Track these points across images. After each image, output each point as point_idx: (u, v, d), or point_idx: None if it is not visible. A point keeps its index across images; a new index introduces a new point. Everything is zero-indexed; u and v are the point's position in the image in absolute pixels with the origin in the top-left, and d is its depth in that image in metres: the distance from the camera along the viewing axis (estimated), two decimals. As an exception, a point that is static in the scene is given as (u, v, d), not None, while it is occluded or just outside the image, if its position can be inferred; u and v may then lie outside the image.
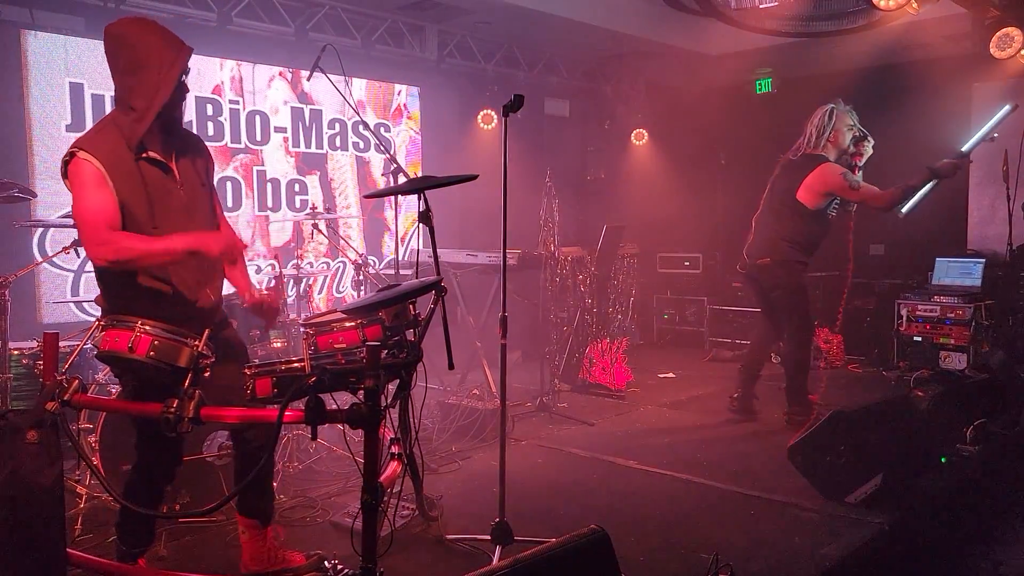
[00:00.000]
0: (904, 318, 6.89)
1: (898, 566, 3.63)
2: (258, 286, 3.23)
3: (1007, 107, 5.11)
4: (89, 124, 5.67)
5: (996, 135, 5.17)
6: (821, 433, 3.98)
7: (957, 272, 6.97)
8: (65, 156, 2.63)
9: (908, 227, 7.72)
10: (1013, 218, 6.64)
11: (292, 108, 6.87)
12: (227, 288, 3.09)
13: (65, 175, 2.65)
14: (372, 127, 7.20)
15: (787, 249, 5.26)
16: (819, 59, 7.85)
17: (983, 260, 6.90)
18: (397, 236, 4.09)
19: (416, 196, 2.88)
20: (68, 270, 5.66)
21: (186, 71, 2.73)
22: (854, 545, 3.41)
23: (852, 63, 7.58)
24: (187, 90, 2.77)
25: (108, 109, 5.75)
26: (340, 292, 7.20)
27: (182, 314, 2.75)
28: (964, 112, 7.58)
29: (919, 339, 6.79)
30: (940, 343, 6.65)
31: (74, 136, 5.51)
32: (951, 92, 7.52)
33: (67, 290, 5.65)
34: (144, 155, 2.69)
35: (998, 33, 6.48)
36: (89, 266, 5.72)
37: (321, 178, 7.08)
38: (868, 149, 5.24)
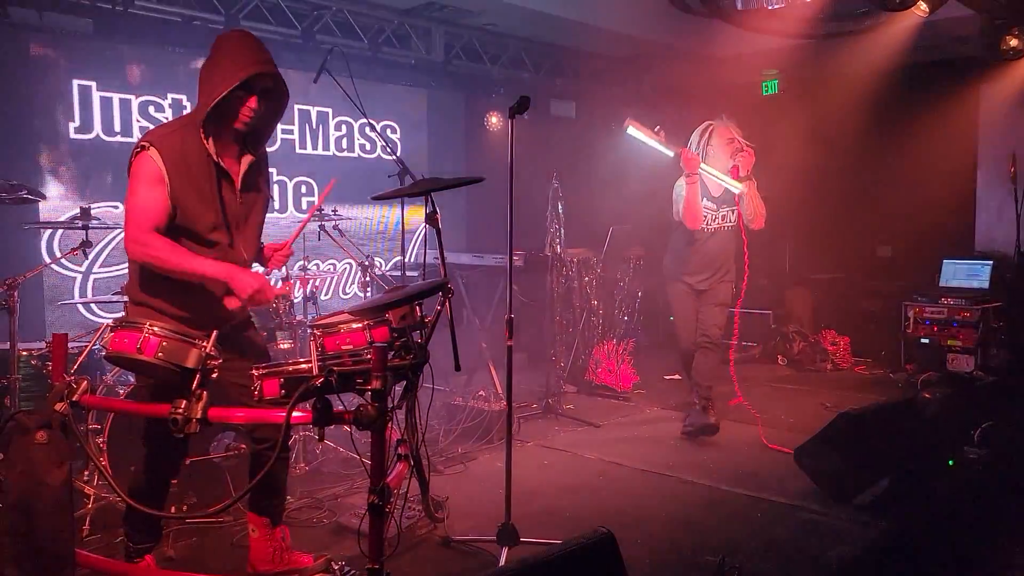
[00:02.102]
0: (911, 320, 6.86)
1: (905, 569, 3.61)
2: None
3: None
4: (98, 126, 5.70)
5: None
6: (828, 436, 3.98)
7: (964, 274, 6.95)
8: (135, 148, 2.70)
9: (915, 229, 7.74)
10: (1021, 220, 6.62)
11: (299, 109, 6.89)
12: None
13: (130, 166, 2.73)
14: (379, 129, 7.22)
15: (665, 259, 5.39)
16: (826, 61, 7.83)
17: (991, 262, 6.88)
18: (403, 239, 4.10)
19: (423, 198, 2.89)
20: (76, 272, 5.68)
21: (264, 90, 2.75)
22: (861, 547, 3.40)
23: (859, 64, 7.56)
24: (252, 107, 2.74)
25: (116, 111, 5.80)
26: (346, 294, 7.22)
27: (207, 314, 2.78)
28: (971, 114, 7.56)
29: (926, 341, 6.77)
30: (947, 345, 6.63)
31: (82, 138, 5.62)
32: (958, 94, 7.50)
33: (75, 292, 5.67)
34: (213, 160, 2.75)
35: (1007, 35, 6.46)
36: (96, 268, 5.75)
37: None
38: (742, 160, 4.98)
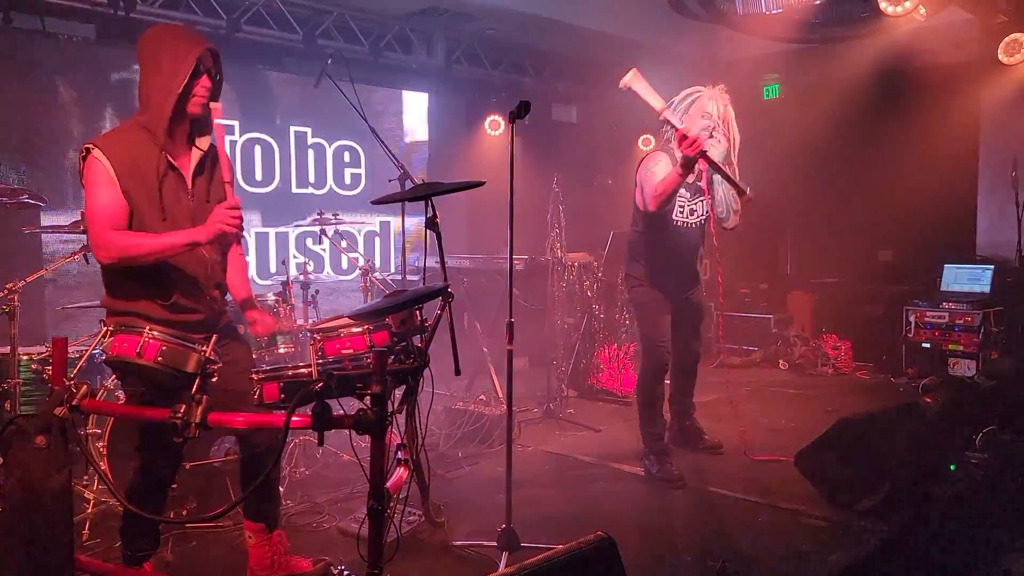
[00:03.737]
0: (912, 324, 6.85)
1: (906, 574, 3.60)
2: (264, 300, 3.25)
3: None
4: (99, 130, 5.71)
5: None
6: (829, 440, 3.97)
7: (966, 278, 6.94)
8: (81, 153, 2.69)
9: (916, 233, 7.74)
10: (1022, 224, 6.62)
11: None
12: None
13: (81, 172, 2.71)
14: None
15: (629, 263, 4.66)
16: (826, 65, 7.84)
17: (992, 266, 6.86)
18: (404, 243, 4.10)
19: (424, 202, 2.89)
20: (77, 276, 5.68)
21: (207, 69, 2.75)
22: (862, 553, 3.39)
23: (859, 69, 7.57)
24: (206, 86, 2.75)
25: (120, 114, 5.81)
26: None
27: (188, 316, 2.77)
28: (972, 118, 7.56)
29: (927, 345, 6.76)
30: (949, 350, 6.61)
31: (85, 142, 5.62)
32: (959, 99, 7.50)
33: (76, 296, 5.66)
34: (166, 159, 2.74)
35: (1006, 39, 6.47)
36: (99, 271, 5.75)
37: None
38: (712, 147, 4.22)
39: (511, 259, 3.38)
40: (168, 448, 2.85)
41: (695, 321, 4.77)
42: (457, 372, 2.74)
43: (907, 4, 5.85)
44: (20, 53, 5.43)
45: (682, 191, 4.33)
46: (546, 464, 4.75)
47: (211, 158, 2.94)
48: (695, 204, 4.44)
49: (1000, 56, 6.60)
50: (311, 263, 5.20)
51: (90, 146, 2.66)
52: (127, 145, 2.68)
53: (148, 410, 2.72)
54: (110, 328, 2.67)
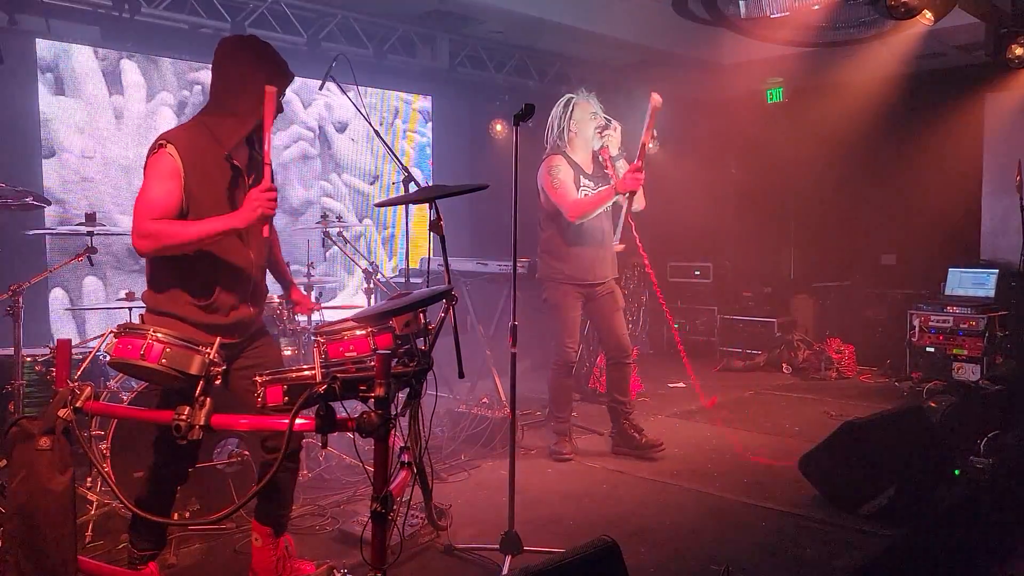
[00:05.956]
0: (916, 329, 6.85)
1: (911, 579, 3.60)
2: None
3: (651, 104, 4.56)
4: (104, 132, 5.72)
5: (655, 138, 4.53)
6: (833, 444, 3.96)
7: (970, 283, 6.93)
8: (152, 146, 2.71)
9: (920, 237, 7.74)
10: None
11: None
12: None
13: (145, 165, 2.74)
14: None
15: (544, 262, 4.85)
16: (830, 69, 7.84)
17: (996, 271, 6.86)
18: (407, 245, 4.09)
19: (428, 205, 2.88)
20: (80, 278, 5.69)
21: (282, 92, 2.85)
22: (866, 557, 3.38)
23: (864, 73, 7.57)
24: (281, 110, 2.86)
25: (122, 117, 5.82)
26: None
27: (223, 319, 2.79)
28: (976, 122, 7.56)
29: (932, 350, 6.75)
30: (953, 354, 6.60)
31: (88, 145, 5.63)
32: (963, 103, 7.50)
33: (79, 298, 5.68)
34: (231, 162, 2.78)
35: (1013, 43, 6.45)
36: (103, 272, 5.76)
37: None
38: (611, 138, 4.73)
39: (515, 262, 3.37)
40: (182, 451, 2.86)
41: (615, 312, 4.87)
42: (461, 375, 2.74)
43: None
44: (25, 54, 5.44)
45: (587, 181, 4.73)
46: (549, 467, 4.74)
47: (261, 159, 2.98)
48: (603, 188, 4.67)
49: (1006, 60, 6.58)
50: (314, 265, 5.20)
51: (163, 141, 2.69)
52: (196, 143, 2.73)
53: (151, 412, 2.73)
54: (114, 330, 2.68)
